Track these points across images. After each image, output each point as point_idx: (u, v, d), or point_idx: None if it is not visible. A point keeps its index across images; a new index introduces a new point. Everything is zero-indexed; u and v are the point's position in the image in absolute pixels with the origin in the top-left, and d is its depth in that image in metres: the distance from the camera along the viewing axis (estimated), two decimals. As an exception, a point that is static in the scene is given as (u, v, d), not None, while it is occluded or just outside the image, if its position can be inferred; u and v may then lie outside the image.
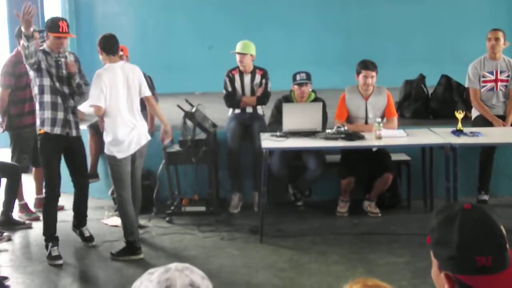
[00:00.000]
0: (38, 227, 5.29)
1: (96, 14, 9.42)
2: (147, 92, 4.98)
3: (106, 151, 4.82)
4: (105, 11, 9.36)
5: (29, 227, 5.57)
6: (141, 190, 5.12)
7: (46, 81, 4.71)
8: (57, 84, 4.75)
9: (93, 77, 4.73)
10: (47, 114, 4.72)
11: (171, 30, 9.33)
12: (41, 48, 4.84)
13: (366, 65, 5.54)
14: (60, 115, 4.76)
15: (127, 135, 4.76)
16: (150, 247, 5.05)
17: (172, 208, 5.68)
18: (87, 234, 5.13)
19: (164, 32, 9.37)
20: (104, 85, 4.67)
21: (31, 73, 4.73)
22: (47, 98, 4.72)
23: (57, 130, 4.76)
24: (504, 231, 1.48)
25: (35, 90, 4.76)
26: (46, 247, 4.80)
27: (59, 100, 4.75)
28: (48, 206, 4.86)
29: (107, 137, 4.80)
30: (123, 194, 4.81)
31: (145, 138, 4.96)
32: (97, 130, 6.18)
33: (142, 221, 5.50)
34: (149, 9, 9.36)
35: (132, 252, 4.78)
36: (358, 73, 5.58)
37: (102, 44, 4.83)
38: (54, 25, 4.74)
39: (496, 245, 1.45)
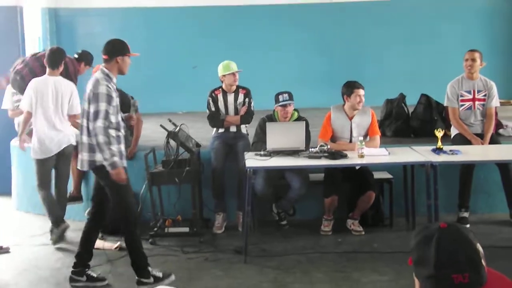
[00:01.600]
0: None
1: (78, 34, 9.41)
2: (75, 111, 5.69)
3: (31, 152, 5.56)
4: (87, 31, 9.36)
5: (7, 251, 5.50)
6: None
7: None
8: None
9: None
10: None
11: (154, 49, 9.36)
12: None
13: (356, 84, 5.62)
14: None
15: (49, 138, 5.56)
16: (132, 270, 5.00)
17: (155, 229, 5.65)
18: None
19: (147, 52, 9.37)
20: (33, 93, 5.56)
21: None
22: None
23: None
24: (480, 249, 1.52)
25: None
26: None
27: None
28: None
29: (33, 139, 5.59)
30: (40, 192, 5.65)
31: (67, 141, 5.68)
32: None
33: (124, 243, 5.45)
34: (132, 29, 9.38)
35: None
36: (348, 94, 5.63)
37: (45, 57, 5.46)
38: None
39: (472, 263, 1.49)
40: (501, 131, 6.52)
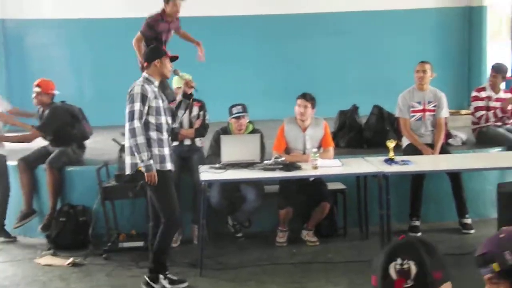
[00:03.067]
0: None
1: (26, 45, 9.21)
2: None
3: None
4: (35, 42, 9.18)
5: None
6: (76, 227, 5.01)
7: None
8: None
9: None
10: None
11: (107, 61, 9.26)
12: None
13: (303, 95, 5.70)
14: None
15: None
16: (86, 285, 4.92)
17: (109, 244, 5.56)
18: None
19: (99, 63, 9.28)
20: None
21: None
22: None
23: None
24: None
25: None
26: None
27: None
28: None
29: None
30: None
31: None
32: (28, 165, 6.03)
33: (77, 259, 5.37)
34: (82, 40, 9.27)
35: None
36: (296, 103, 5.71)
37: None
38: None
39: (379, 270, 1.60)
40: (450, 141, 6.68)
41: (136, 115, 4.44)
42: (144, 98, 4.48)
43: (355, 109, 7.02)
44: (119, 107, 8.84)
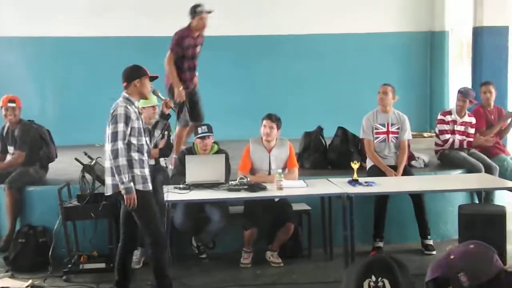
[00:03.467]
0: None
1: (-11, 62, 9.07)
2: None
3: None
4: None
5: None
6: (36, 248, 4.86)
7: None
8: None
9: None
10: None
11: (70, 79, 9.15)
12: None
13: (268, 116, 5.73)
14: None
15: None
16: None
17: (70, 266, 5.44)
18: None
19: (62, 83, 9.16)
20: None
21: None
22: None
23: None
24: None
25: None
26: None
27: None
28: None
29: None
30: None
31: None
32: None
33: (36, 281, 5.23)
34: (46, 58, 9.15)
35: None
36: (262, 124, 5.73)
37: None
38: None
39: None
40: (413, 162, 6.77)
41: (120, 136, 4.38)
42: (127, 119, 4.42)
43: (319, 130, 7.07)
44: (83, 126, 8.85)
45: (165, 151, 5.97)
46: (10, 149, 6.11)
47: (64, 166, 6.66)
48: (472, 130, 6.83)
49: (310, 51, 9.55)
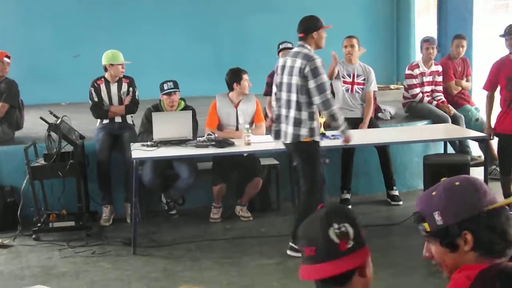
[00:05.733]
0: None
1: None
2: None
3: None
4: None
5: None
6: (4, 207, 4.84)
7: None
8: None
9: None
10: None
11: (33, 38, 8.92)
12: None
13: (243, 70, 5.74)
14: None
15: None
16: (16, 267, 4.81)
17: (39, 224, 5.43)
18: None
19: (26, 40, 8.93)
20: None
21: None
22: None
23: None
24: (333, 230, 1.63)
25: None
26: None
27: None
28: None
29: None
30: None
31: None
32: None
33: (6, 240, 5.23)
34: (8, 16, 8.90)
35: None
36: (237, 80, 5.68)
37: None
38: None
39: (320, 238, 1.65)
40: (380, 115, 6.84)
41: (327, 86, 4.54)
42: (324, 68, 4.60)
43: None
44: (47, 85, 8.70)
45: (131, 108, 5.92)
46: None
47: (30, 125, 6.58)
48: (439, 78, 6.89)
49: (276, 6, 9.42)
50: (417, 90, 6.80)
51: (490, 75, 5.73)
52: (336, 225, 1.63)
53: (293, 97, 4.60)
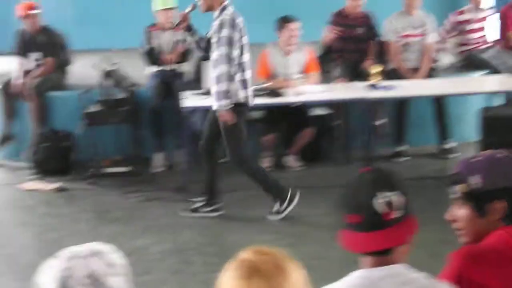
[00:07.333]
0: None
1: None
2: None
3: None
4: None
5: None
6: (60, 152, 4.99)
7: None
8: None
9: None
10: None
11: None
12: None
13: (288, 19, 5.57)
14: None
15: None
16: (71, 210, 4.97)
17: (93, 170, 5.58)
18: None
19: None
20: None
21: None
22: None
23: None
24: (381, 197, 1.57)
25: None
26: None
27: None
28: None
29: None
30: None
31: None
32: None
33: (61, 184, 5.40)
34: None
35: None
36: (280, 29, 5.58)
37: None
38: None
39: (365, 207, 1.58)
40: (436, 64, 6.61)
41: None
42: None
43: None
44: (100, 30, 8.71)
45: (183, 57, 5.91)
46: (34, 55, 6.11)
47: (83, 71, 6.66)
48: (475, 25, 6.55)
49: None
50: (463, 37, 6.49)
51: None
52: (383, 193, 1.57)
53: None
